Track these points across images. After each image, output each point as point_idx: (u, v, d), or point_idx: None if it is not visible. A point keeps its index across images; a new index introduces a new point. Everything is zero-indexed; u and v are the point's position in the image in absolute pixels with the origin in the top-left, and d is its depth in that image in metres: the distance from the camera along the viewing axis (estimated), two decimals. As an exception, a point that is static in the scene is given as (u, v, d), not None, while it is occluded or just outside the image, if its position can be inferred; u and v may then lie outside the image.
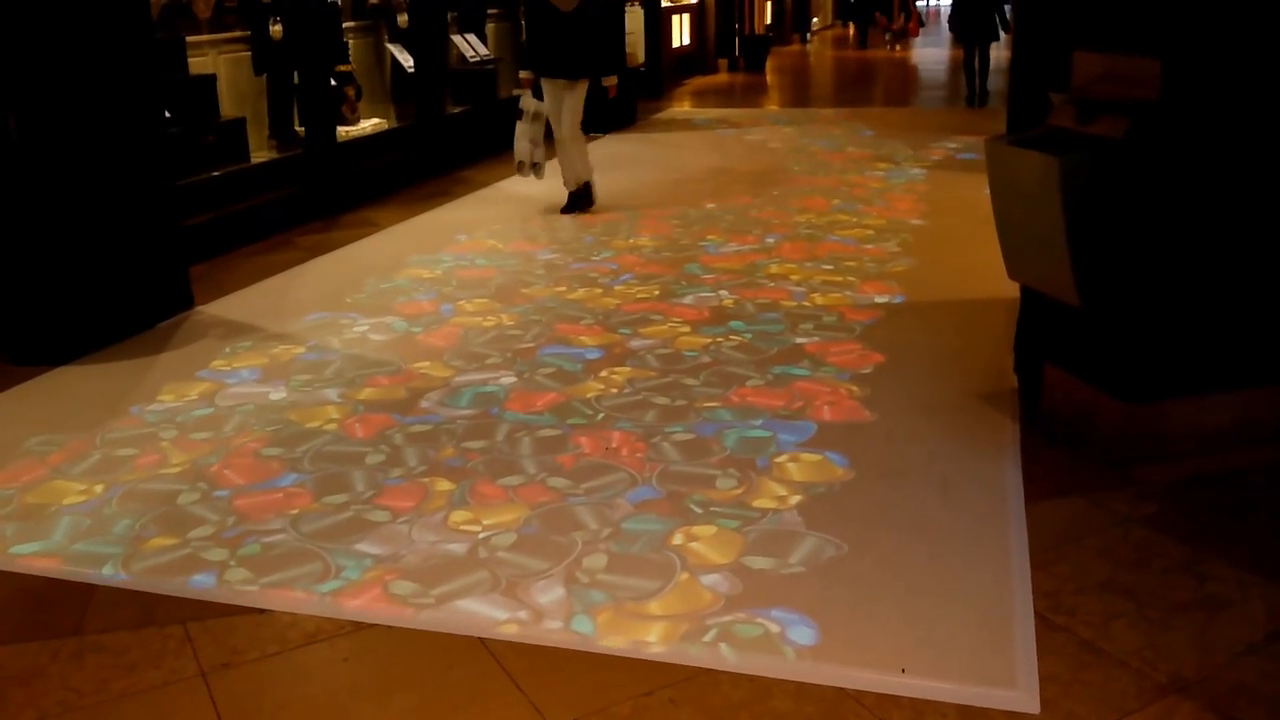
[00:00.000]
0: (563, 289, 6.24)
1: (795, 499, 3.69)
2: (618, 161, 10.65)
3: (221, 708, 2.75)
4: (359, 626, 3.06)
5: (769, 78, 19.84)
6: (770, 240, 7.28)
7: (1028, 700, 2.67)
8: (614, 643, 2.94)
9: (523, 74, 8.05)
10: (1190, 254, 3.78)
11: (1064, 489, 3.76)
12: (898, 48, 25.24)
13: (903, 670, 2.79)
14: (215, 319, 5.89)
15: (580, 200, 8.19)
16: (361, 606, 3.14)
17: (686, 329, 5.49)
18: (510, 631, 3.00)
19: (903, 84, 18.67)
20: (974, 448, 4.07)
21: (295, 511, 3.69)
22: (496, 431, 4.30)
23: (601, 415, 4.43)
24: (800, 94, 17.53)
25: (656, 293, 6.13)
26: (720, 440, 4.17)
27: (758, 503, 3.68)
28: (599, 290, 6.20)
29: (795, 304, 5.87)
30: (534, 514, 3.63)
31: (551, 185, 9.50)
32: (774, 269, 6.57)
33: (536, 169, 8.12)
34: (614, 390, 4.70)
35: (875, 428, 4.27)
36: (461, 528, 3.55)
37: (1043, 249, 3.94)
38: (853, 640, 2.93)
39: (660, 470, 3.93)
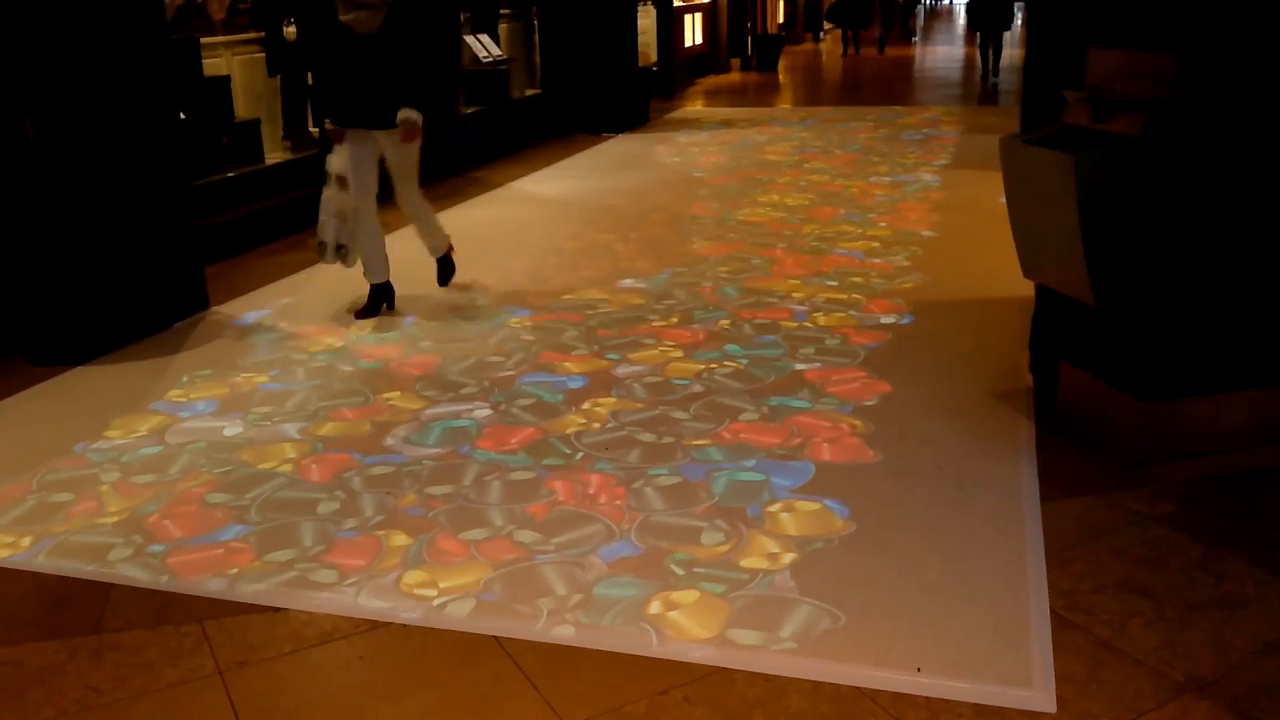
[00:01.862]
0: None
1: (789, 557, 3.32)
2: (626, 162, 10.66)
3: (239, 706, 2.75)
4: (374, 625, 3.07)
5: (781, 77, 19.82)
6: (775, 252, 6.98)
7: (1044, 700, 2.67)
8: (629, 642, 2.95)
9: (327, 124, 5.81)
10: (1207, 252, 3.76)
11: (1080, 488, 3.75)
12: (884, 51, 23.19)
13: (918, 669, 2.79)
14: (230, 319, 5.91)
15: (449, 268, 6.41)
16: (377, 605, 3.16)
17: (679, 354, 5.13)
18: (525, 630, 3.01)
19: (915, 83, 18.63)
20: (989, 447, 4.06)
21: (234, 571, 3.36)
22: (464, 474, 3.96)
23: (580, 455, 4.08)
24: (812, 93, 17.50)
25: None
26: (708, 484, 3.82)
27: (746, 562, 3.31)
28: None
29: (796, 324, 5.51)
30: (496, 575, 3.28)
31: (563, 186, 9.53)
32: (776, 285, 6.22)
33: (343, 253, 5.78)
34: (596, 425, 4.34)
35: (879, 470, 3.90)
36: (415, 591, 3.22)
37: (1058, 248, 3.93)
38: (868, 639, 2.92)
39: (640, 521, 3.57)
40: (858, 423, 4.30)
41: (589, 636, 2.99)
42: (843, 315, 5.65)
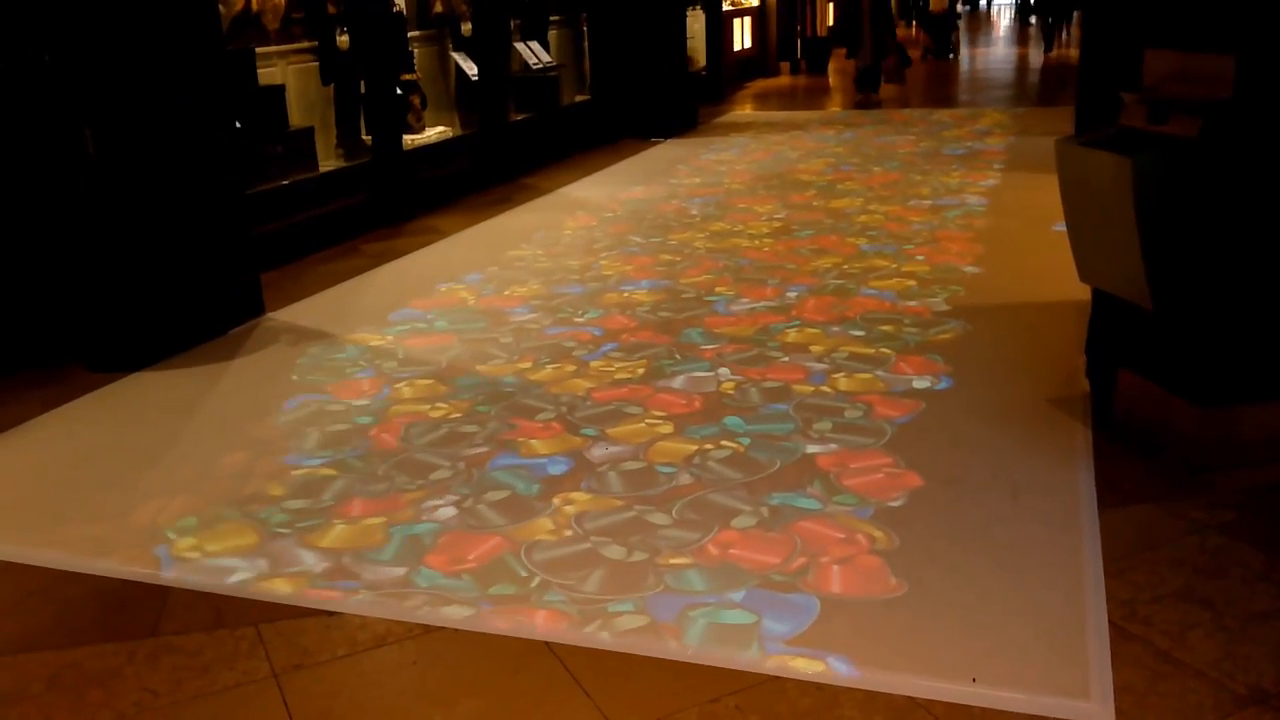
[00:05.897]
0: (527, 365, 5.11)
1: None
2: (669, 169, 10.64)
3: (293, 709, 2.78)
4: (427, 629, 3.08)
5: (831, 80, 19.71)
6: (791, 294, 6.08)
7: (1102, 712, 2.63)
8: (680, 649, 2.94)
9: None
10: (1267, 255, 3.70)
11: (1138, 496, 3.69)
12: (871, 95, 15.60)
13: (973, 680, 2.76)
14: (285, 326, 5.98)
15: None
16: (430, 611, 3.17)
17: (668, 429, 4.33)
18: (577, 636, 3.01)
19: (968, 85, 18.45)
20: (1045, 454, 4.00)
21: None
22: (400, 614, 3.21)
23: (536, 580, 3.29)
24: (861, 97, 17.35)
25: (641, 372, 4.96)
26: (681, 629, 3.00)
27: None
28: (571, 367, 5.06)
29: (812, 389, 4.69)
30: None
31: (614, 190, 9.55)
32: (791, 336, 5.39)
33: None
34: (562, 532, 3.56)
35: (901, 608, 3.07)
36: None
37: (1115, 251, 3.87)
38: (922, 648, 2.90)
39: None
40: (878, 533, 3.47)
41: (639, 643, 2.97)
42: (868, 376, 4.81)
